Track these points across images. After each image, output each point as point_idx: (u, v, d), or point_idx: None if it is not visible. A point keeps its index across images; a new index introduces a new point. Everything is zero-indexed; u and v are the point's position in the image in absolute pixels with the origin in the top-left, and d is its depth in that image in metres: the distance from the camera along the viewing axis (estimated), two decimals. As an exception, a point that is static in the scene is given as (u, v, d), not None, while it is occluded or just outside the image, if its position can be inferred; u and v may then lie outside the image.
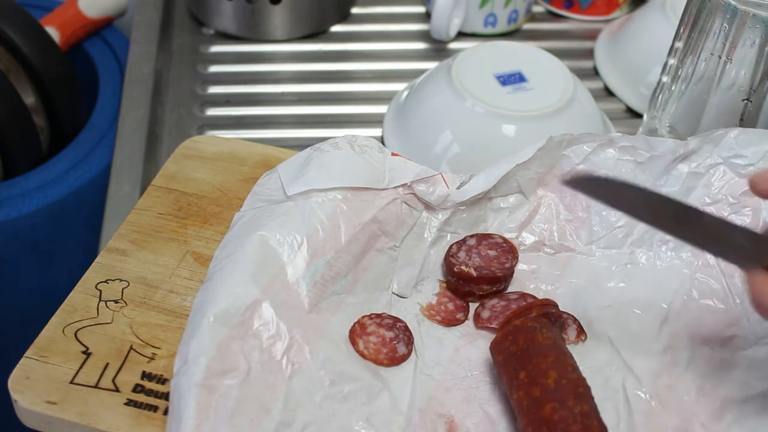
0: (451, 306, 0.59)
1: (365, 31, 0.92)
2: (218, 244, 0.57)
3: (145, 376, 0.52)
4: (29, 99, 0.92)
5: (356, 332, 0.55)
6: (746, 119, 0.66)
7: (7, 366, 0.53)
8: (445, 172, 0.62)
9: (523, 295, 0.59)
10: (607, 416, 0.50)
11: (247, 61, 0.88)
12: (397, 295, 0.59)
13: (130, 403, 0.50)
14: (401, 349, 0.55)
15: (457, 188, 0.61)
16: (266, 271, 0.53)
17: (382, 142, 0.76)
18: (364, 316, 0.56)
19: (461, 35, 0.91)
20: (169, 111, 0.82)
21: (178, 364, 0.49)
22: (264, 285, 0.53)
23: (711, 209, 0.61)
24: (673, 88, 0.69)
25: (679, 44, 0.68)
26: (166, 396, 0.50)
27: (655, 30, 0.80)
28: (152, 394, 0.51)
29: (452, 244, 0.61)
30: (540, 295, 0.59)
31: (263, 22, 0.88)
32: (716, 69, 0.65)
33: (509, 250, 0.60)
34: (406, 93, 0.79)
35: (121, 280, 0.57)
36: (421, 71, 0.81)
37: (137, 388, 0.51)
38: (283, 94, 0.84)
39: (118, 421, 0.49)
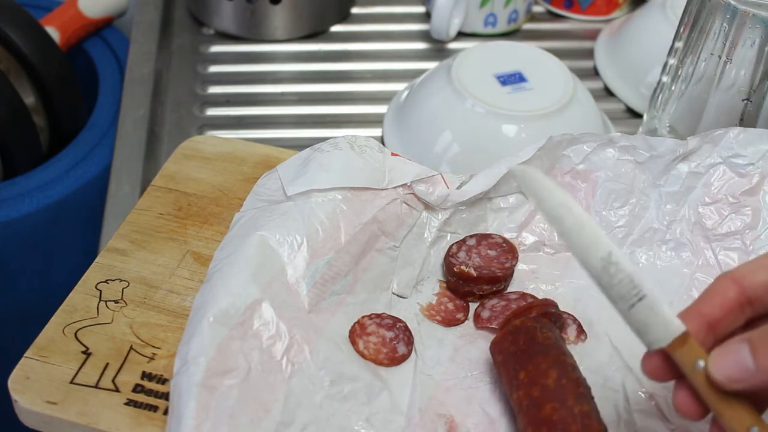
0: (451, 306, 0.59)
1: (365, 31, 0.92)
2: (218, 244, 0.57)
3: (145, 376, 0.52)
4: (29, 99, 0.92)
5: (356, 332, 0.55)
6: (746, 119, 0.66)
7: (7, 366, 0.53)
8: (445, 172, 0.62)
9: (523, 295, 0.59)
10: (607, 416, 0.50)
11: (247, 61, 0.88)
12: (397, 295, 0.59)
13: (130, 403, 0.50)
14: (401, 349, 0.55)
15: (457, 188, 0.61)
16: (266, 271, 0.53)
17: (382, 142, 0.76)
18: (364, 316, 0.56)
19: (461, 35, 0.91)
20: (169, 111, 0.82)
21: (178, 364, 0.49)
22: (264, 285, 0.53)
23: (711, 209, 0.61)
24: (673, 88, 0.69)
25: (679, 44, 0.68)
26: (166, 396, 0.50)
27: (655, 30, 0.80)
28: (152, 394, 0.51)
29: (452, 244, 0.61)
30: (540, 295, 0.59)
31: (263, 22, 0.88)
32: (716, 69, 0.65)
33: (509, 250, 0.60)
34: (406, 93, 0.79)
35: (121, 280, 0.57)
36: (421, 71, 0.81)
37: (137, 388, 0.51)
38: (283, 94, 0.84)
39: (118, 421, 0.49)
